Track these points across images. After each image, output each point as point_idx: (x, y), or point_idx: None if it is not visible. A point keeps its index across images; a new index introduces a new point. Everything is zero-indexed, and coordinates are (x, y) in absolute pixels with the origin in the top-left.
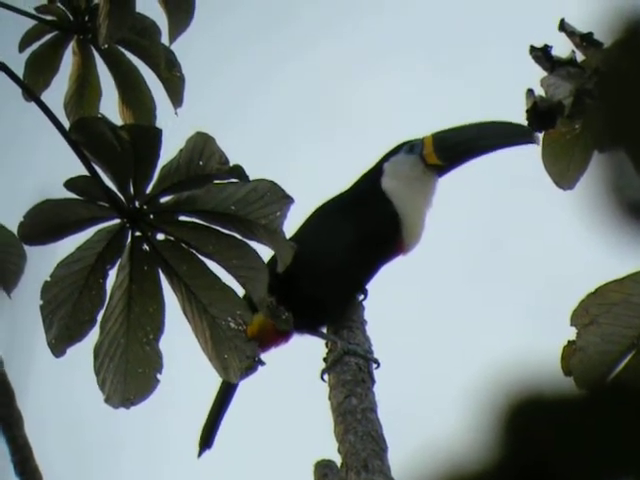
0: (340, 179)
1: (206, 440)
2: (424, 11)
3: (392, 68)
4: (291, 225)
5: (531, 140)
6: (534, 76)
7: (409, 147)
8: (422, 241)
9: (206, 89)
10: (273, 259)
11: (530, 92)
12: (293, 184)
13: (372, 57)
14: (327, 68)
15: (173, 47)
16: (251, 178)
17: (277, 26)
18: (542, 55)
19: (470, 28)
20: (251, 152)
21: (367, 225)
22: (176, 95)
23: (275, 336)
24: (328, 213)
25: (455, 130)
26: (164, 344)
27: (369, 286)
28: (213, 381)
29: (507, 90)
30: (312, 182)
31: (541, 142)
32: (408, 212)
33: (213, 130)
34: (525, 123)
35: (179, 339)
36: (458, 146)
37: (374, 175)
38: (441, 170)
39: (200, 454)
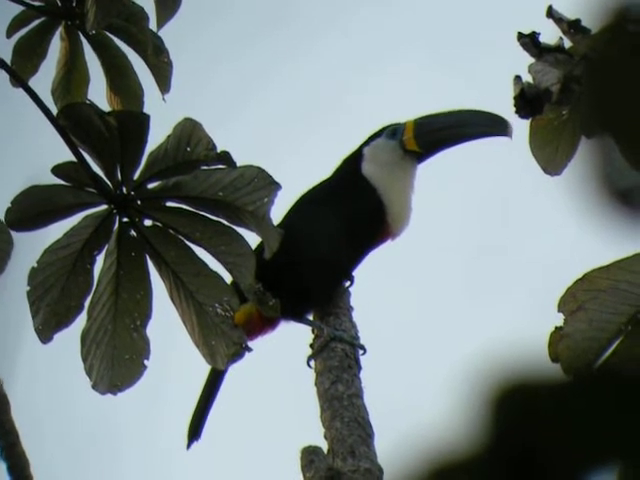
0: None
1: (194, 432)
2: (426, 7)
3: (393, 64)
4: (278, 211)
5: (505, 133)
6: (522, 63)
7: (391, 131)
8: (410, 226)
9: (204, 83)
10: (260, 245)
11: (517, 79)
12: (289, 175)
13: (373, 53)
14: (327, 64)
15: (165, 34)
16: (239, 164)
17: (279, 21)
18: (530, 42)
19: (471, 24)
20: (244, 143)
21: (350, 211)
22: (164, 81)
23: (262, 324)
24: (313, 200)
25: (435, 116)
26: (151, 330)
27: (356, 272)
28: (201, 368)
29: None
30: (308, 176)
31: (528, 129)
32: (389, 197)
33: (202, 117)
34: (513, 109)
35: (166, 325)
36: (436, 133)
37: (355, 159)
38: (420, 156)
39: (189, 446)
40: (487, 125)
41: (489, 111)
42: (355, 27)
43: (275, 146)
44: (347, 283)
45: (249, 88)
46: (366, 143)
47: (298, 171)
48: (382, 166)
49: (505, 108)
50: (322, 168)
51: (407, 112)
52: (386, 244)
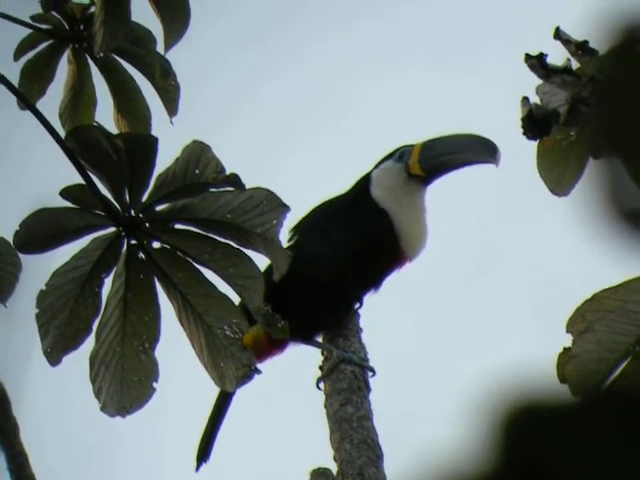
0: (341, 180)
1: (203, 453)
2: (429, 11)
3: (395, 68)
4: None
5: (492, 160)
6: (530, 83)
7: (399, 154)
8: (426, 248)
9: (202, 94)
10: (269, 267)
11: (525, 100)
12: (293, 186)
13: (375, 57)
14: (328, 68)
15: (170, 53)
16: (248, 186)
17: (281, 25)
18: (537, 63)
19: (474, 30)
20: (250, 156)
21: (360, 236)
22: (171, 104)
23: (270, 346)
24: (323, 221)
25: (439, 140)
26: (160, 353)
27: (367, 296)
28: (209, 390)
29: (510, 91)
30: (313, 183)
31: (536, 150)
32: (399, 221)
33: (209, 136)
34: (520, 131)
35: (175, 348)
36: (437, 158)
37: (365, 182)
38: (424, 180)
39: (198, 468)
40: (478, 152)
41: (481, 136)
42: (358, 30)
43: (276, 150)
44: (357, 305)
45: (249, 90)
46: (377, 165)
47: (299, 175)
48: (388, 190)
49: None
50: (322, 172)
51: (410, 115)
52: (404, 267)
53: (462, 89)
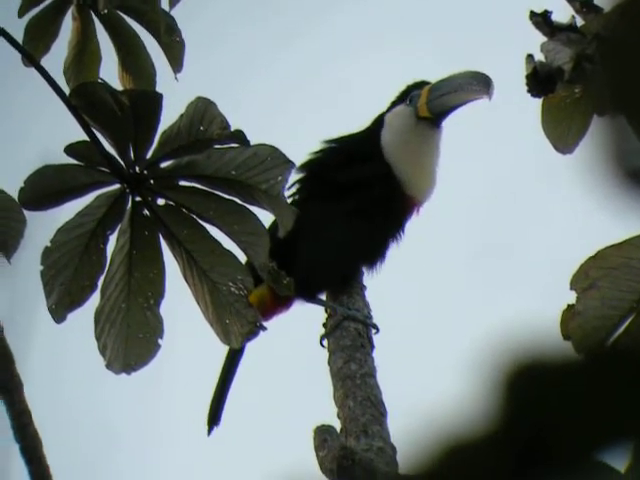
0: None
1: (214, 417)
2: None
3: (393, 52)
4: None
5: (485, 94)
6: (535, 42)
7: (410, 98)
8: (435, 191)
9: (208, 55)
10: (274, 224)
11: (530, 57)
12: (295, 149)
13: (372, 40)
14: (324, 48)
15: (175, 11)
16: (252, 142)
17: (276, 3)
18: (542, 21)
19: (473, 13)
20: (253, 117)
21: (366, 191)
22: (176, 60)
23: (275, 305)
24: (329, 174)
25: (445, 80)
26: (165, 309)
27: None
28: (215, 348)
29: (512, 76)
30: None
31: (541, 107)
32: (407, 167)
33: (214, 95)
34: (525, 88)
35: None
36: (440, 99)
37: (376, 125)
38: (433, 122)
39: (209, 432)
40: (473, 88)
41: (477, 71)
42: (353, 10)
43: (274, 118)
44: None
45: (249, 61)
46: (389, 108)
47: (297, 141)
48: (398, 134)
49: (509, 91)
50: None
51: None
52: (417, 212)
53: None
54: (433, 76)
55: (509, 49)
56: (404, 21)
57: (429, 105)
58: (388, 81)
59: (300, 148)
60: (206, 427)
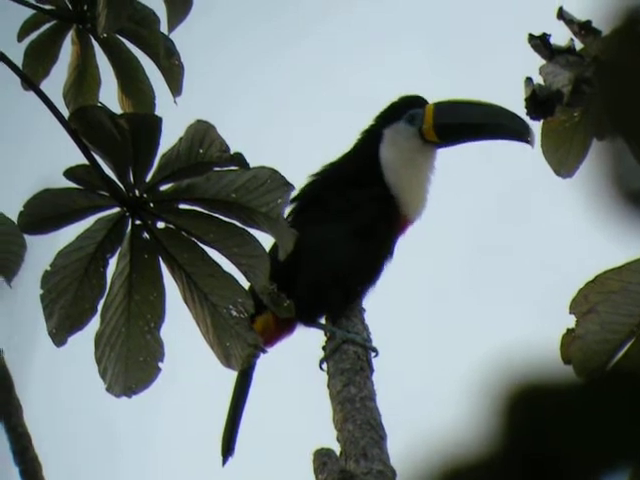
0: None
1: (228, 447)
2: None
3: (392, 53)
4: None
5: (529, 141)
6: (533, 64)
7: (410, 117)
8: (425, 211)
9: (205, 76)
10: (274, 247)
11: (529, 80)
12: (293, 168)
13: (372, 41)
14: (327, 51)
15: (173, 34)
16: (252, 165)
17: (277, 9)
18: (541, 43)
19: (477, 16)
20: (251, 137)
21: (365, 212)
22: (175, 84)
23: (279, 330)
24: (327, 194)
25: (457, 107)
26: (165, 333)
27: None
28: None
29: (509, 80)
30: (310, 165)
31: (540, 130)
32: (404, 186)
33: (213, 117)
34: (524, 111)
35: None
36: (457, 127)
37: (374, 141)
38: (439, 145)
39: (224, 462)
40: (513, 129)
41: (514, 112)
42: (358, 12)
43: (274, 132)
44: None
45: (247, 77)
46: (386, 123)
47: (297, 157)
48: (400, 154)
49: (506, 99)
50: (320, 154)
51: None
52: (407, 231)
53: (462, 75)
54: (424, 83)
55: (508, 50)
56: (403, 22)
57: (437, 130)
58: (387, 81)
59: (300, 160)
60: (220, 457)
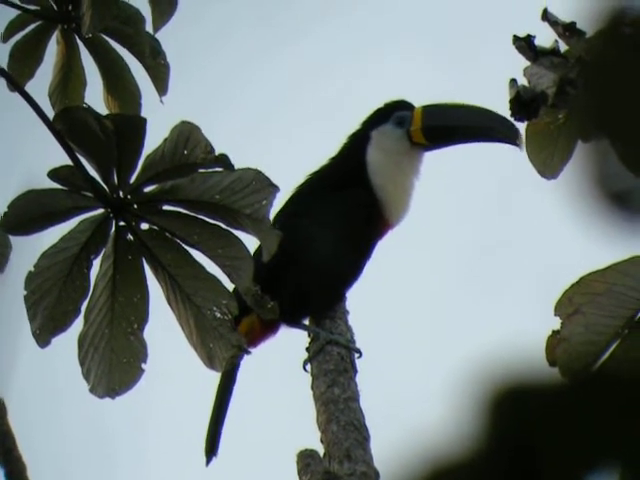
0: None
1: (212, 447)
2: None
3: (389, 56)
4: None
5: (517, 143)
6: (518, 66)
7: (398, 119)
8: (408, 215)
9: (193, 77)
10: (259, 249)
11: (513, 82)
12: (284, 170)
13: (370, 44)
14: (322, 55)
15: (159, 34)
16: (237, 166)
17: (272, 11)
18: (525, 45)
19: (468, 19)
20: (239, 139)
21: (349, 216)
22: (161, 83)
23: (263, 331)
24: (312, 195)
25: (445, 110)
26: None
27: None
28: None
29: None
30: (302, 169)
31: (525, 132)
32: (389, 189)
33: (199, 119)
34: (508, 113)
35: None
36: (445, 129)
37: (361, 143)
38: (427, 148)
39: (208, 462)
40: (502, 132)
41: (502, 115)
42: (355, 15)
43: (268, 135)
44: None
45: (238, 78)
46: (373, 125)
47: (288, 161)
48: (387, 156)
49: (499, 102)
50: (314, 158)
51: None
52: (386, 236)
53: (460, 78)
54: (423, 84)
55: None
56: (403, 23)
57: (425, 132)
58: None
59: (293, 163)
60: (204, 457)
